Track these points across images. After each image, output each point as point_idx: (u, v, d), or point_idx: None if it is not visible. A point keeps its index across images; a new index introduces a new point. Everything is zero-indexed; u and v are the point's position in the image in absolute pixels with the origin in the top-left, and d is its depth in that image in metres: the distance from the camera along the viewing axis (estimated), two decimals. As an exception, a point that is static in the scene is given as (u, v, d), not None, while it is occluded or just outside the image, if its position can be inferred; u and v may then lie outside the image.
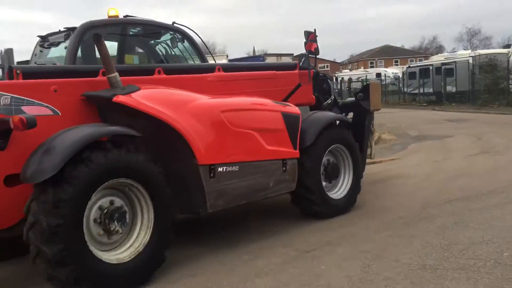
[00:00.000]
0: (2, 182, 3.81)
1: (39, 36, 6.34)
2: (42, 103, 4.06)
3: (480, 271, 3.98)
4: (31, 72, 4.35)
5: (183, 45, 6.48)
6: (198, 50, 6.58)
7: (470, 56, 28.79)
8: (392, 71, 44.94)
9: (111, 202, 3.91)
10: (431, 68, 31.09)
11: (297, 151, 5.29)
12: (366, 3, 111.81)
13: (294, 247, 4.87)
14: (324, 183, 5.65)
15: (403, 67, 38.10)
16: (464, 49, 43.52)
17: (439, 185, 7.43)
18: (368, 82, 7.55)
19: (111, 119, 4.32)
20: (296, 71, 6.18)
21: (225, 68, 5.54)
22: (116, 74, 4.37)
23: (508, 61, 23.35)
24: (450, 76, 27.87)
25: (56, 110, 4.13)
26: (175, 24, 6.40)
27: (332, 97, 6.99)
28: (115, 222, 3.86)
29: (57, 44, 5.99)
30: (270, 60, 26.81)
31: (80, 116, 4.22)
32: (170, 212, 4.24)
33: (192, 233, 5.56)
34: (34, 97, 4.00)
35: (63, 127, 3.90)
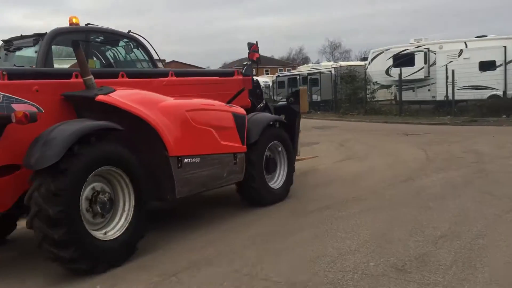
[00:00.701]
0: None
1: (2, 40, 6.78)
2: (28, 101, 4.49)
3: (349, 284, 3.89)
4: (15, 73, 4.72)
5: (136, 52, 7.15)
6: (150, 56, 7.19)
7: (332, 67, 30.89)
8: (263, 80, 46.45)
9: (100, 187, 4.54)
10: (298, 77, 32.70)
11: (244, 146, 6.13)
12: (240, 14, 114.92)
13: (158, 271, 4.36)
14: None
15: (273, 76, 39.48)
16: (327, 61, 46.88)
17: (309, 193, 7.47)
18: (298, 88, 8.49)
19: (88, 116, 4.83)
20: (234, 77, 6.99)
21: (176, 73, 6.11)
22: (92, 76, 4.96)
23: (365, 72, 25.49)
24: (315, 85, 29.58)
25: (40, 107, 4.57)
26: (130, 33, 7.05)
27: (264, 102, 7.70)
28: (103, 205, 4.50)
29: (25, 48, 6.47)
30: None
31: (60, 113, 4.73)
32: (147, 195, 4.90)
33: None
34: (20, 96, 4.43)
35: (47, 123, 4.40)
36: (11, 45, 6.71)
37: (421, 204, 6.33)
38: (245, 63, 7.46)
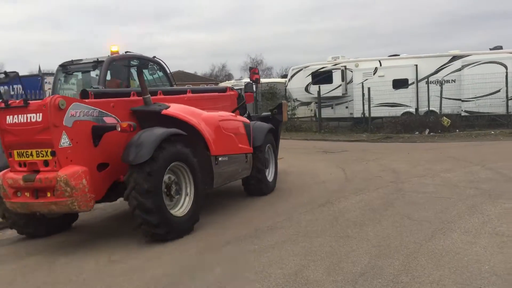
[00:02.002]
0: (95, 168, 5.74)
1: (60, 66, 7.81)
2: (111, 114, 6.00)
3: None
4: (97, 93, 6.14)
5: (159, 73, 8.64)
6: (168, 77, 8.77)
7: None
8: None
9: (170, 178, 6.03)
10: (220, 94, 32.02)
11: (251, 148, 7.90)
12: (163, 30, 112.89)
13: None
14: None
15: (194, 92, 38.60)
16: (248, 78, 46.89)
17: (222, 219, 6.70)
18: (281, 102, 10.09)
19: (147, 125, 6.13)
20: (227, 93, 8.72)
21: (192, 90, 7.78)
22: (149, 95, 6.46)
23: (286, 89, 25.46)
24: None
25: (118, 119, 6.03)
26: (155, 58, 8.50)
27: (247, 112, 9.18)
28: (174, 190, 6.07)
29: (84, 71, 7.65)
30: (50, 79, 23.71)
31: (129, 126, 5.81)
32: (201, 184, 6.41)
33: None
34: (106, 110, 5.94)
35: (125, 135, 5.88)
36: (68, 69, 7.93)
37: (339, 232, 5.79)
38: (246, 82, 9.89)
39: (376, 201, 7.40)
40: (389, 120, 20.45)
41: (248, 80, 40.70)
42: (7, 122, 5.58)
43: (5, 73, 5.97)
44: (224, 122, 7.35)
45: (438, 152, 13.05)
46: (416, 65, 20.25)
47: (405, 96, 20.19)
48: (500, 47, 20.07)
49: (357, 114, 21.46)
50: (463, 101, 19.20)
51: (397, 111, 20.34)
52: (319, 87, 22.12)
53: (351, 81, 21.97)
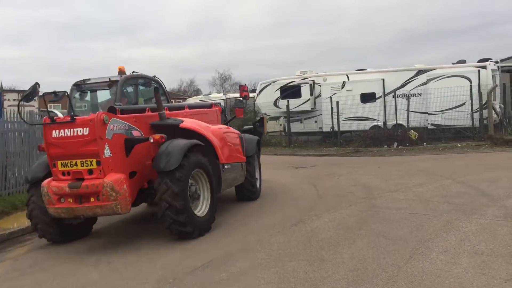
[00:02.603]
0: (128, 176, 6.48)
1: (74, 84, 8.11)
2: (137, 128, 6.88)
3: None
4: (122, 109, 6.82)
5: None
6: (165, 94, 9.13)
7: (222, 99, 30.36)
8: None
9: (191, 183, 6.85)
10: (188, 109, 31.56)
11: (245, 157, 8.73)
12: (127, 45, 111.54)
13: None
14: None
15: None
16: (217, 93, 46.56)
17: (192, 242, 6.24)
18: (262, 116, 11.38)
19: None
20: (212, 108, 9.58)
21: (189, 106, 8.84)
22: (164, 111, 7.36)
23: (255, 104, 25.25)
24: (205, 117, 28.70)
25: (141, 132, 6.95)
26: (155, 77, 8.89)
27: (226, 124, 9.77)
28: (194, 194, 6.91)
29: (100, 89, 8.18)
30: (10, 95, 22.86)
31: (149, 135, 6.91)
32: (216, 189, 7.44)
33: None
34: (132, 125, 6.80)
35: (147, 146, 6.81)
36: (82, 88, 8.12)
37: (313, 255, 5.45)
38: (237, 99, 11.84)
39: (350, 219, 7.13)
40: (358, 134, 20.47)
41: (216, 95, 40.53)
42: (52, 136, 6.33)
43: (55, 92, 6.42)
44: (226, 134, 8.36)
45: (408, 166, 13.00)
46: (383, 79, 20.41)
47: (373, 110, 20.28)
48: (464, 61, 20.48)
49: (326, 128, 21.40)
50: (429, 114, 19.42)
51: (366, 125, 20.39)
52: (288, 101, 21.98)
53: (319, 95, 21.94)
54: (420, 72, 19.94)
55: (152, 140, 6.66)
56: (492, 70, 19.01)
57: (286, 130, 22.90)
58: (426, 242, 5.69)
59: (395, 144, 18.80)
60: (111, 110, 6.50)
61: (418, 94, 19.71)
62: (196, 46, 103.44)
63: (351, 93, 20.69)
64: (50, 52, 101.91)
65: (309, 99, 22.22)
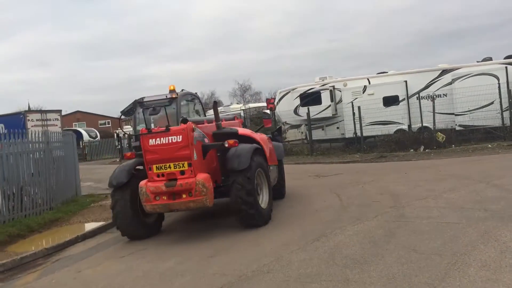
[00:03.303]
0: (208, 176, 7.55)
1: (137, 101, 8.76)
2: (205, 135, 8.09)
3: None
4: (191, 121, 7.83)
5: (199, 105, 10.35)
6: (203, 108, 10.48)
7: (241, 110, 30.07)
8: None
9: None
10: (208, 121, 31.42)
11: (277, 161, 9.88)
12: (148, 62, 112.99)
13: None
14: None
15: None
16: (237, 103, 46.39)
17: (204, 264, 5.83)
18: (280, 126, 12.26)
19: (217, 141, 8.25)
20: (235, 120, 10.39)
21: (224, 119, 9.89)
22: (221, 122, 8.86)
23: (274, 113, 24.85)
24: (225, 128, 28.49)
25: (208, 139, 8.15)
26: (196, 94, 10.32)
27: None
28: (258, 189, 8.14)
29: (162, 106, 8.41)
30: (33, 116, 23.35)
31: (211, 142, 8.25)
32: (271, 186, 8.73)
33: None
34: (204, 133, 8.10)
35: (214, 151, 8.11)
36: (144, 105, 8.68)
37: (337, 274, 4.96)
38: (264, 111, 15.30)
39: (377, 231, 6.60)
40: (382, 139, 19.80)
41: (236, 105, 40.46)
42: (149, 144, 7.47)
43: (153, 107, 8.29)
44: (266, 140, 9.40)
45: (436, 170, 12.33)
46: (406, 81, 19.74)
47: (397, 113, 19.60)
48: (490, 58, 19.64)
49: (349, 134, 20.79)
50: (456, 115, 18.63)
51: (390, 129, 19.70)
52: (308, 108, 21.48)
53: (340, 101, 21.38)
54: (444, 72, 19.20)
55: (227, 145, 7.87)
56: (521, 66, 18.15)
57: (308, 138, 22.39)
58: (462, 256, 5.13)
59: (422, 148, 18.06)
60: (184, 121, 7.60)
61: (443, 94, 18.95)
62: (215, 59, 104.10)
63: (373, 97, 20.07)
64: (73, 72, 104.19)
65: (329, 105, 21.68)
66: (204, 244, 7.11)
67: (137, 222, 7.92)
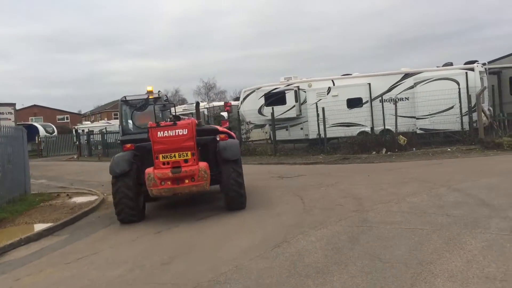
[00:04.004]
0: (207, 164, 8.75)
1: (122, 100, 10.27)
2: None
3: None
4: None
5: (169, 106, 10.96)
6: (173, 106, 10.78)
7: (205, 108, 29.52)
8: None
9: None
10: (170, 119, 30.70)
11: None
12: (112, 57, 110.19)
13: None
14: None
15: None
16: (201, 101, 45.67)
17: (148, 277, 5.39)
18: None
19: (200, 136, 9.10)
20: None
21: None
22: (201, 120, 10.24)
23: (238, 112, 24.47)
24: (188, 126, 27.92)
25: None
26: (165, 95, 11.47)
27: None
28: None
29: (149, 104, 9.99)
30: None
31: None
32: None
33: None
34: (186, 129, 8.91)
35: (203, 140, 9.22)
36: (127, 103, 10.04)
37: (298, 285, 4.65)
38: (222, 113, 15.42)
39: (340, 236, 6.35)
40: (345, 141, 19.79)
41: (202, 103, 40.12)
42: (158, 136, 8.46)
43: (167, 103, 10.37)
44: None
45: (399, 173, 12.31)
46: (369, 84, 19.82)
47: (360, 115, 19.66)
48: (451, 64, 20.00)
49: (313, 135, 20.69)
50: (417, 118, 18.84)
51: (353, 131, 19.73)
52: (273, 108, 21.25)
53: (305, 101, 21.25)
54: (407, 75, 19.38)
55: (218, 138, 9.20)
56: (480, 72, 18.53)
57: (272, 138, 22.13)
58: (428, 265, 4.94)
59: (384, 150, 18.14)
60: (177, 118, 8.84)
61: (405, 98, 19.12)
62: (181, 57, 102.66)
63: (337, 98, 20.05)
64: (33, 65, 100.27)
65: (294, 106, 21.50)
66: (160, 248, 6.67)
67: (135, 206, 8.84)
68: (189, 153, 8.49)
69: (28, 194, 13.31)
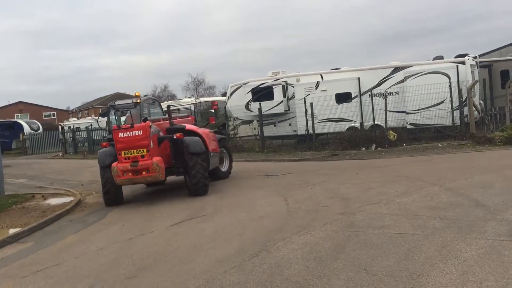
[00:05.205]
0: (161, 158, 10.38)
1: (110, 105, 11.58)
2: (159, 130, 11.06)
3: None
4: (150, 120, 11.19)
5: (157, 107, 13.79)
6: (162, 109, 13.76)
7: (192, 104, 28.90)
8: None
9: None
10: (156, 115, 30.05)
11: (218, 149, 12.61)
12: (101, 53, 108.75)
13: None
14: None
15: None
16: (188, 97, 44.89)
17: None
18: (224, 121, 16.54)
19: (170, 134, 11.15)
20: (189, 118, 13.46)
21: (180, 117, 13.26)
22: (173, 120, 11.74)
23: (225, 108, 23.87)
24: (175, 122, 27.34)
25: (162, 133, 11.12)
26: (153, 96, 17.11)
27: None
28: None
29: (128, 108, 11.37)
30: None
31: (165, 134, 11.09)
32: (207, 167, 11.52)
33: None
34: (158, 128, 11.08)
35: (167, 142, 10.95)
36: (116, 108, 11.35)
37: (275, 304, 4.12)
38: (211, 110, 14.85)
39: (324, 244, 5.84)
40: (334, 136, 19.27)
41: (186, 99, 39.39)
42: (119, 136, 10.20)
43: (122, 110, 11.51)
44: (209, 134, 12.12)
45: (388, 171, 11.84)
46: (359, 78, 19.32)
47: (349, 111, 19.16)
48: (441, 57, 19.54)
49: (301, 131, 20.18)
50: (408, 113, 18.38)
51: (342, 126, 19.25)
52: (260, 104, 20.67)
53: (293, 96, 20.69)
54: (396, 69, 18.89)
55: (175, 137, 10.77)
56: (471, 66, 18.10)
57: (260, 134, 21.57)
58: (419, 278, 4.43)
59: (373, 146, 17.68)
60: (145, 120, 10.53)
61: (395, 92, 18.64)
62: (170, 52, 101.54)
63: (326, 93, 19.52)
64: (19, 61, 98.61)
65: (282, 101, 20.94)
66: (129, 259, 6.10)
67: (118, 191, 10.76)
68: (144, 150, 10.15)
69: (1, 195, 12.66)
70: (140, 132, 10.09)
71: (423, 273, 4.55)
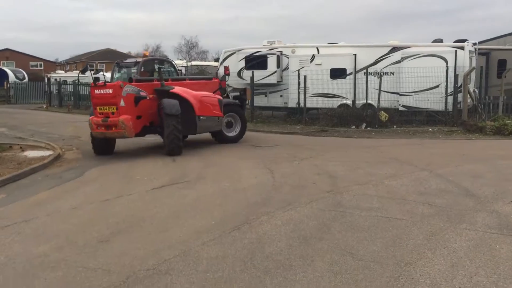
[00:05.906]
0: (135, 118, 11.07)
1: (116, 63, 14.23)
2: (144, 91, 11.35)
3: None
4: (138, 80, 11.88)
5: (170, 67, 14.65)
6: (176, 70, 14.79)
7: (183, 66, 28.18)
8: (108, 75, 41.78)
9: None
10: (146, 75, 29.28)
11: (222, 114, 12.82)
12: (95, 6, 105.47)
13: None
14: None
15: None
16: (180, 60, 43.93)
17: (77, 258, 4.55)
18: (245, 87, 17.54)
19: (162, 97, 11.37)
20: (213, 80, 14.03)
21: (189, 79, 13.81)
22: (164, 81, 11.82)
23: (217, 73, 23.29)
24: (164, 84, 26.68)
25: (147, 94, 11.41)
26: (168, 58, 18.35)
27: (226, 94, 14.55)
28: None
29: (129, 67, 13.75)
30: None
31: (152, 97, 11.47)
32: (192, 131, 12.38)
33: None
34: (141, 88, 11.33)
35: (150, 102, 11.44)
36: (120, 65, 14.05)
37: (253, 284, 3.87)
38: (222, 75, 15.09)
39: (309, 222, 5.60)
40: (324, 112, 18.93)
41: (178, 61, 38.65)
42: (95, 93, 11.01)
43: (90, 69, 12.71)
44: (204, 97, 12.29)
45: (378, 152, 11.61)
46: (355, 55, 18.86)
47: (343, 87, 18.76)
48: (441, 40, 19.15)
49: (292, 104, 19.79)
50: (401, 95, 18.07)
51: (334, 103, 18.88)
52: (253, 72, 20.18)
53: (287, 68, 20.21)
54: (394, 49, 18.43)
55: (148, 98, 11.31)
56: (470, 52, 17.74)
57: (249, 104, 21.16)
58: (407, 267, 4.22)
59: (364, 125, 17.42)
60: (130, 80, 11.46)
61: (391, 72, 18.23)
62: (165, 12, 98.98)
63: (321, 67, 19.06)
64: (8, 6, 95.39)
65: (275, 72, 20.43)
66: (102, 221, 5.80)
67: (105, 143, 11.55)
68: (114, 107, 10.79)
69: (-23, 144, 12.18)
70: (111, 91, 10.73)
71: (410, 262, 4.34)
